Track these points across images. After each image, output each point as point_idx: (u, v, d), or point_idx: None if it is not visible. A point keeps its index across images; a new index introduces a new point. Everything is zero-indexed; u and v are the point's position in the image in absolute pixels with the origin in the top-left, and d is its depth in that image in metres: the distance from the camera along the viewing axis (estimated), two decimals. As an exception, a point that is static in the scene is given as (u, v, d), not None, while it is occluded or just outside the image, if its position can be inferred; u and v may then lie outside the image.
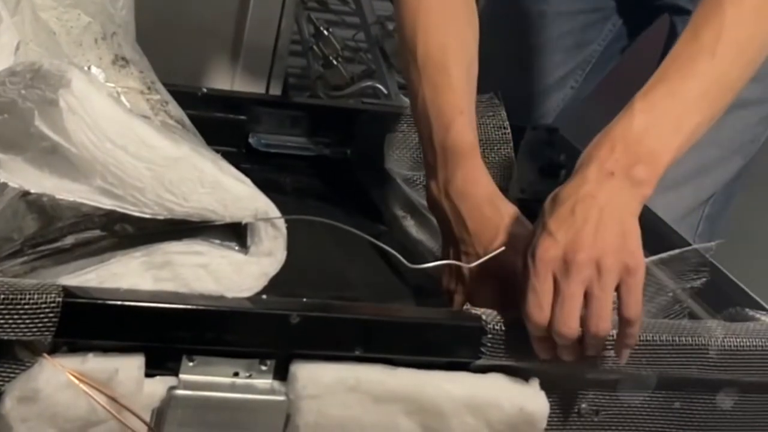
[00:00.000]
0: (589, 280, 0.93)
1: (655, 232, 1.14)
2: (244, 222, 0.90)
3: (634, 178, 0.97)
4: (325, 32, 2.07)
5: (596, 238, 0.94)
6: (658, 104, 1.00)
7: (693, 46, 1.03)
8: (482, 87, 1.22)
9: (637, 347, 0.96)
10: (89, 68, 0.98)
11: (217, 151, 1.00)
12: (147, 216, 0.88)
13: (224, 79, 1.89)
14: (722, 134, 1.40)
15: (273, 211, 0.91)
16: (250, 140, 1.36)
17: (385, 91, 1.98)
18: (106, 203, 0.87)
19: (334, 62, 2.04)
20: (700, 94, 1.01)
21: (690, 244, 1.15)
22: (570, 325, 0.93)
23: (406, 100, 2.01)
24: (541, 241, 0.95)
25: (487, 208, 1.08)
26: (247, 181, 0.92)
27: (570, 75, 1.57)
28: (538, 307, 0.94)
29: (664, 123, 0.99)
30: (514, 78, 1.55)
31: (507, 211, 1.08)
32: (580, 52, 1.56)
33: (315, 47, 2.07)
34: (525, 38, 1.55)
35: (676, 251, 1.07)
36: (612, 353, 0.96)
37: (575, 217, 0.96)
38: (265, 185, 0.94)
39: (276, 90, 1.92)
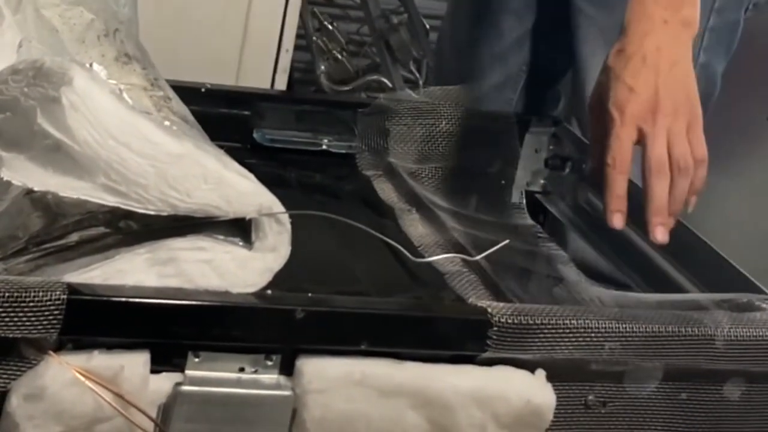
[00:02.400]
0: (669, 125, 1.08)
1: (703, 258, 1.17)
2: (248, 217, 0.90)
3: (684, 21, 1.11)
4: (330, 26, 2.07)
5: (671, 89, 1.09)
6: None
7: None
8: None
9: (643, 338, 0.97)
10: (91, 65, 0.98)
11: (222, 147, 1.00)
12: (151, 213, 0.88)
13: (229, 75, 1.88)
14: None
15: (277, 206, 0.91)
16: (255, 135, 1.36)
17: (390, 85, 1.98)
18: (110, 200, 0.87)
19: (339, 56, 2.04)
20: None
21: (737, 268, 1.15)
22: (662, 155, 1.07)
23: (411, 94, 2.01)
24: (623, 94, 1.09)
25: None
26: (251, 176, 0.91)
27: (525, 37, 1.56)
28: (621, 152, 1.08)
29: None
30: (470, 39, 1.55)
31: None
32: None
33: (319, 42, 2.07)
34: None
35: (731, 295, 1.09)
36: (618, 345, 0.96)
37: (648, 67, 1.10)
38: (269, 180, 0.94)
39: (281, 85, 1.92)
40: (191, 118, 1.07)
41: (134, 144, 0.86)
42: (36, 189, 0.87)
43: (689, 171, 1.08)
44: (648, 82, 1.09)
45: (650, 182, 1.09)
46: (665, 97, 1.09)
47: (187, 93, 1.16)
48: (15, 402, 0.84)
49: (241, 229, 0.92)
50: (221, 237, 0.92)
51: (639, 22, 1.12)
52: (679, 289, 1.17)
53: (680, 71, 1.11)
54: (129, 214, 0.90)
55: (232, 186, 0.89)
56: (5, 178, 0.87)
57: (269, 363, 0.90)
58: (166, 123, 0.95)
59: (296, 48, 2.06)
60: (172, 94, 1.05)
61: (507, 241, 1.04)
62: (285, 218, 0.91)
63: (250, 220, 0.91)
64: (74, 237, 0.92)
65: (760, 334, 1.00)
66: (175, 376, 0.88)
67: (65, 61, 0.88)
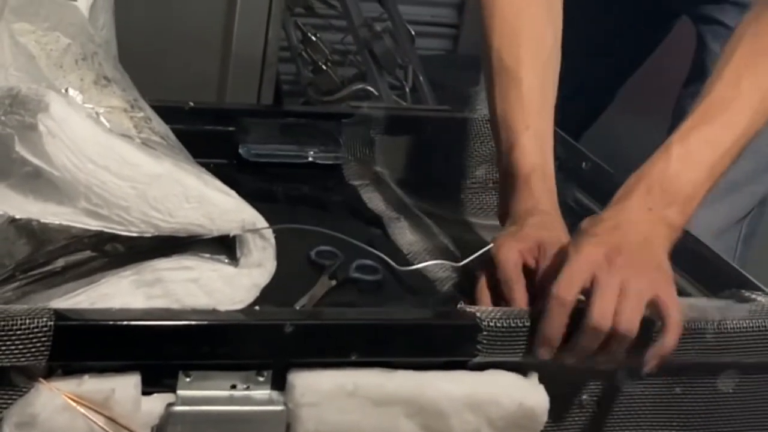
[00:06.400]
0: (626, 282, 0.95)
1: (691, 250, 1.15)
2: (231, 234, 0.91)
3: (668, 219, 1.01)
4: (313, 38, 2.07)
5: (639, 254, 0.97)
6: (694, 151, 1.04)
7: (732, 92, 1.06)
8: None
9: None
10: (67, 91, 0.98)
11: (208, 164, 1.00)
12: (134, 234, 0.88)
13: (214, 90, 1.89)
14: (755, 147, 1.37)
15: (260, 221, 0.91)
16: (240, 151, 1.36)
17: (377, 93, 1.98)
18: (93, 224, 0.87)
19: (324, 67, 2.04)
20: (734, 142, 1.05)
21: (725, 260, 1.15)
22: (606, 313, 0.93)
23: (398, 101, 2.02)
24: (586, 241, 0.97)
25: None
26: (233, 193, 0.92)
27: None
28: (569, 286, 0.94)
29: (699, 170, 1.04)
30: None
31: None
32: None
33: (304, 53, 2.08)
34: None
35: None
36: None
37: (620, 231, 0.99)
38: (257, 195, 0.94)
39: (267, 98, 1.92)
40: (173, 137, 1.07)
41: (113, 167, 0.87)
42: (17, 217, 0.87)
43: (627, 338, 0.93)
44: (613, 238, 0.97)
45: (578, 339, 0.95)
46: (631, 252, 0.96)
47: (171, 112, 1.16)
48: (7, 431, 0.84)
49: (225, 246, 0.92)
50: (207, 255, 0.92)
51: (622, 201, 1.02)
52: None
53: (651, 250, 0.98)
54: (115, 237, 0.90)
55: (214, 203, 0.89)
56: (-14, 207, 0.87)
57: (261, 379, 0.90)
58: (146, 144, 0.95)
59: (283, 60, 2.06)
60: (152, 114, 1.05)
61: (492, 245, 1.04)
62: (269, 233, 0.91)
63: (234, 237, 0.91)
64: (60, 262, 0.92)
65: (750, 325, 1.00)
66: (167, 397, 0.88)
67: (41, 88, 0.88)
